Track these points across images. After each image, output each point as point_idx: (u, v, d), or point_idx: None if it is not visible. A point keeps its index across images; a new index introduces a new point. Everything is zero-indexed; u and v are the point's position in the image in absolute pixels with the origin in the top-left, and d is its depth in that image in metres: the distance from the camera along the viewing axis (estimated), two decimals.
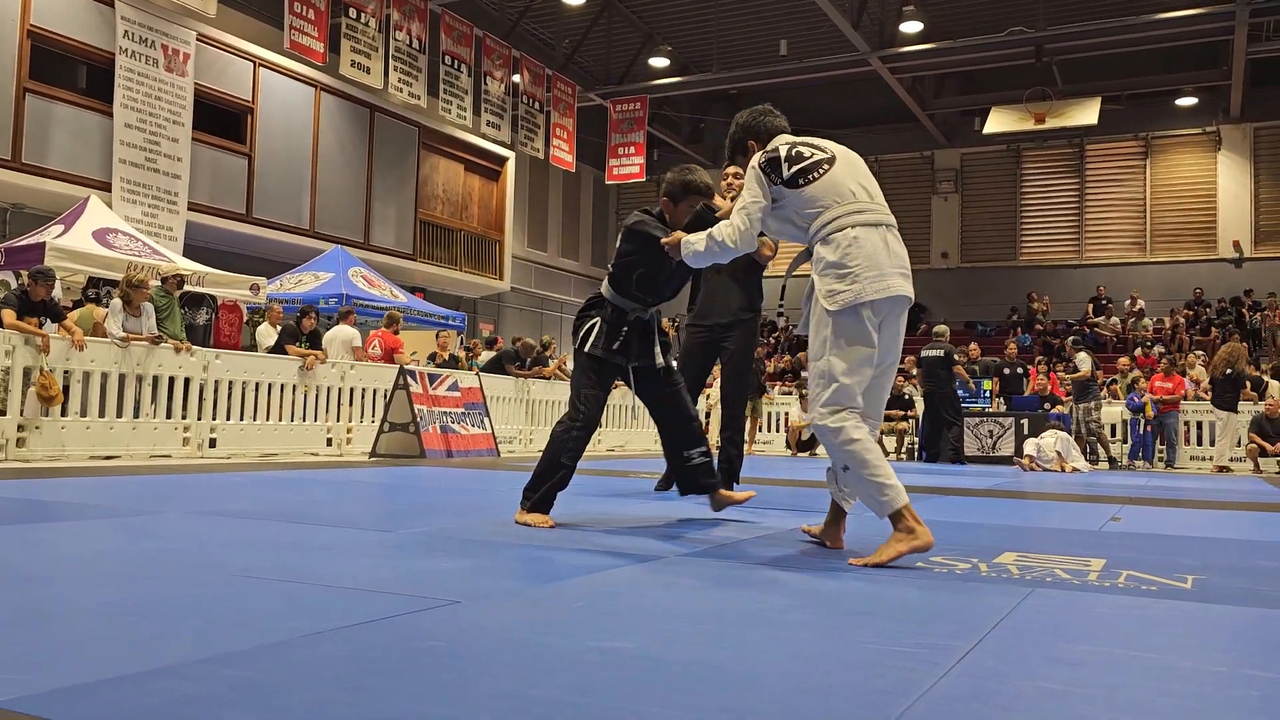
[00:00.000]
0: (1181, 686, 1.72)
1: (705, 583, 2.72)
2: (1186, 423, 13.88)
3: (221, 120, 14.75)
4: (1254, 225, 20.20)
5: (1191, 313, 19.14)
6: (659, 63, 19.99)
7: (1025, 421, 12.91)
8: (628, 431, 14.18)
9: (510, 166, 20.68)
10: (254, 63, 15.09)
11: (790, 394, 16.18)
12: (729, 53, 19.82)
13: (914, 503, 3.13)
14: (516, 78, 17.63)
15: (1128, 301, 19.85)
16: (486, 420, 10.52)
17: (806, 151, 3.25)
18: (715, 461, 5.53)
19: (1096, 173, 21.64)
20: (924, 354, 12.73)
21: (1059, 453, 11.59)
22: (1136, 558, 3.38)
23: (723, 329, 5.57)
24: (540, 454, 4.04)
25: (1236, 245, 20.18)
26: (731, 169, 5.58)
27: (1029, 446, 11.71)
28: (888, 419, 14.03)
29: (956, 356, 12.97)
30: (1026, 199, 22.15)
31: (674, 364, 4.36)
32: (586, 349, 4.02)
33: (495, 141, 19.00)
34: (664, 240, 3.70)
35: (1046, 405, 13.76)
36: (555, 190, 23.70)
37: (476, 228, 20.06)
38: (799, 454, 14.48)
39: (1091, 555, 3.39)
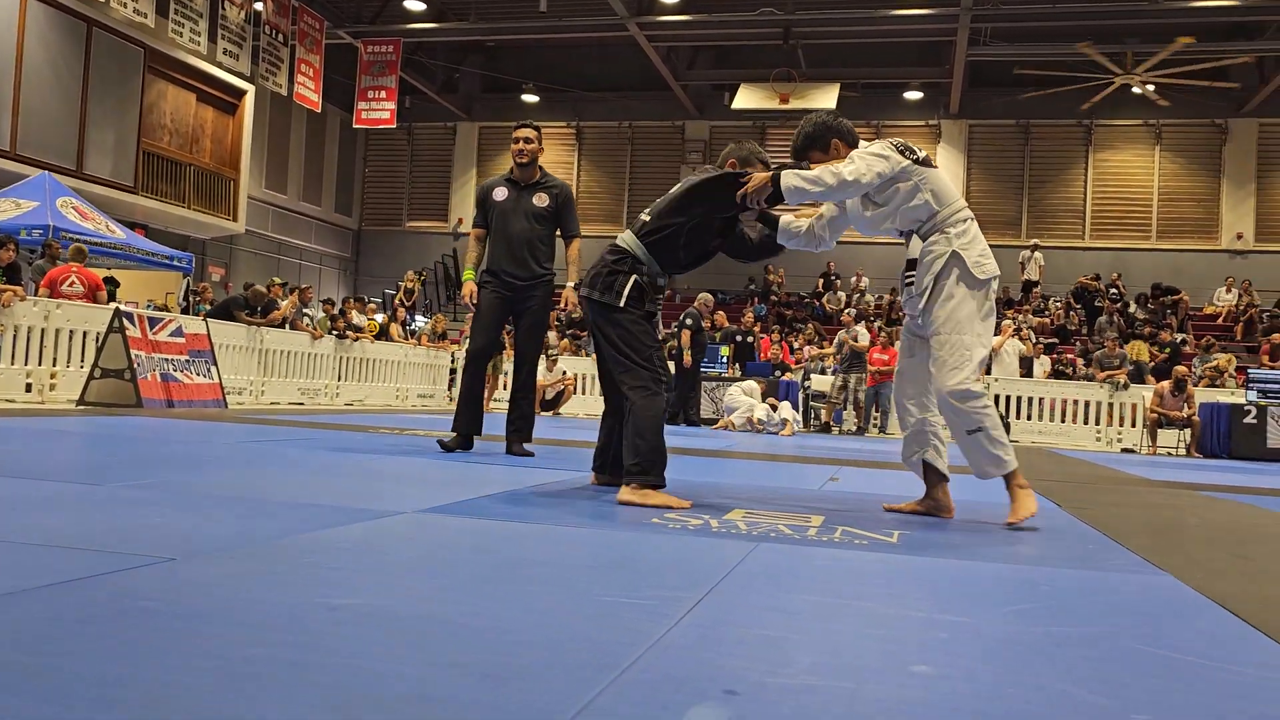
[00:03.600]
0: (884, 630, 1.86)
1: (443, 538, 2.67)
2: None
3: None
4: None
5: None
6: (415, 5, 19.30)
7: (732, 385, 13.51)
8: (367, 386, 13.76)
9: (249, 101, 19.35)
10: None
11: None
12: (488, 2, 19.44)
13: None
14: (259, 5, 16.50)
15: (854, 278, 21.27)
16: (213, 369, 9.87)
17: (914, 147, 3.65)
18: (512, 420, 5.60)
19: None
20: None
21: (786, 418, 12.33)
22: (851, 515, 3.64)
23: (525, 287, 5.56)
24: (625, 430, 3.64)
25: None
26: (525, 131, 5.58)
27: (737, 413, 12.43)
28: None
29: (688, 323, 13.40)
30: None
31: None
32: (623, 304, 3.65)
33: (233, 73, 17.71)
34: (752, 178, 3.57)
35: (778, 372, 14.55)
36: (298, 130, 22.44)
37: (209, 163, 18.68)
38: (542, 413, 14.57)
39: (812, 512, 3.61)
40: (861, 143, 3.68)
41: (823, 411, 14.40)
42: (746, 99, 19.83)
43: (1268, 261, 20.36)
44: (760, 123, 22.61)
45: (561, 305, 5.80)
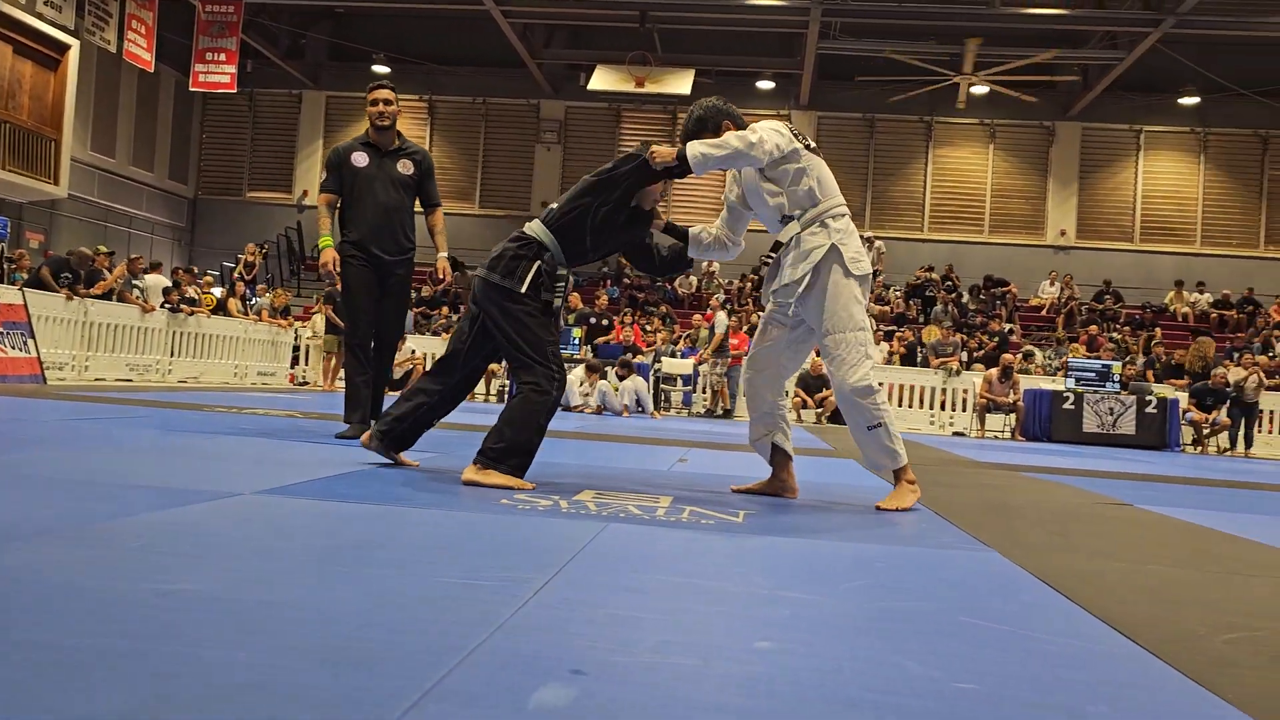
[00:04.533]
0: (730, 607, 1.90)
1: (281, 520, 2.57)
2: None
3: None
4: None
5: (756, 277, 21.23)
6: None
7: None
8: (203, 363, 13.16)
9: (73, 56, 18.05)
10: None
11: None
12: None
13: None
14: None
15: (704, 263, 21.60)
16: (30, 342, 9.24)
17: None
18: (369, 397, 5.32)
19: None
20: None
21: (635, 401, 12.45)
22: (698, 495, 3.70)
23: (393, 262, 5.29)
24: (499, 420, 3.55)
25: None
26: (384, 92, 5.28)
27: (578, 395, 12.48)
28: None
29: None
30: None
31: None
32: (524, 289, 3.58)
33: (55, 25, 16.52)
34: (655, 150, 3.54)
35: (629, 354, 14.65)
36: (128, 91, 21.13)
37: (26, 121, 17.37)
38: (390, 392, 14.23)
39: (660, 493, 3.65)
40: (769, 119, 3.75)
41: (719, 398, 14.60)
42: (602, 80, 19.82)
43: (1087, 257, 21.73)
44: (616, 105, 22.64)
45: (440, 277, 5.45)
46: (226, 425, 5.68)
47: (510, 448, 3.52)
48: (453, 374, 3.86)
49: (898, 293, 20.43)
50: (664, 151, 3.57)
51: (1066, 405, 13.58)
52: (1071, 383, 13.90)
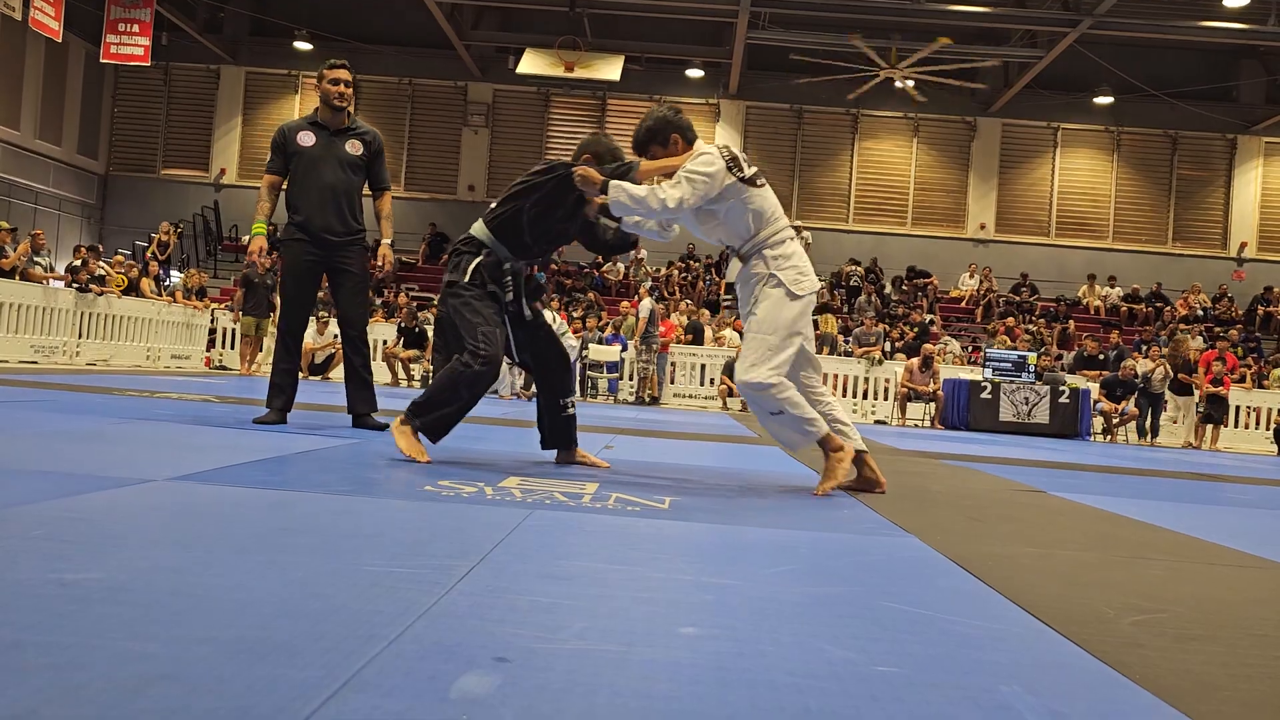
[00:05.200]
0: (655, 594, 1.90)
1: (195, 507, 2.50)
2: (674, 363, 15.42)
3: None
4: None
5: (684, 264, 21.32)
6: None
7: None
8: (113, 345, 12.76)
9: None
10: None
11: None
12: None
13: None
14: None
15: (634, 251, 21.60)
16: None
17: (754, 167, 3.81)
18: (366, 392, 5.18)
19: (614, 126, 23.16)
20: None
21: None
22: (624, 482, 3.70)
23: (342, 243, 5.11)
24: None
25: None
26: (342, 72, 5.11)
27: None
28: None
29: None
30: (552, 142, 23.14)
31: (540, 311, 4.17)
32: (465, 281, 3.84)
33: None
34: (577, 170, 3.67)
35: None
36: (35, 60, 20.30)
37: None
38: (311, 376, 14.00)
39: (586, 480, 3.64)
40: (698, 143, 3.78)
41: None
42: (532, 64, 19.66)
43: (1005, 250, 22.27)
44: (545, 89, 22.48)
45: (378, 264, 5.32)
46: (138, 410, 5.51)
47: (426, 403, 3.75)
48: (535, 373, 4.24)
49: (822, 283, 20.69)
50: (590, 176, 3.68)
51: (984, 395, 13.91)
52: (989, 373, 14.24)
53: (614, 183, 3.62)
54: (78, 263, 13.09)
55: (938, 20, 18.61)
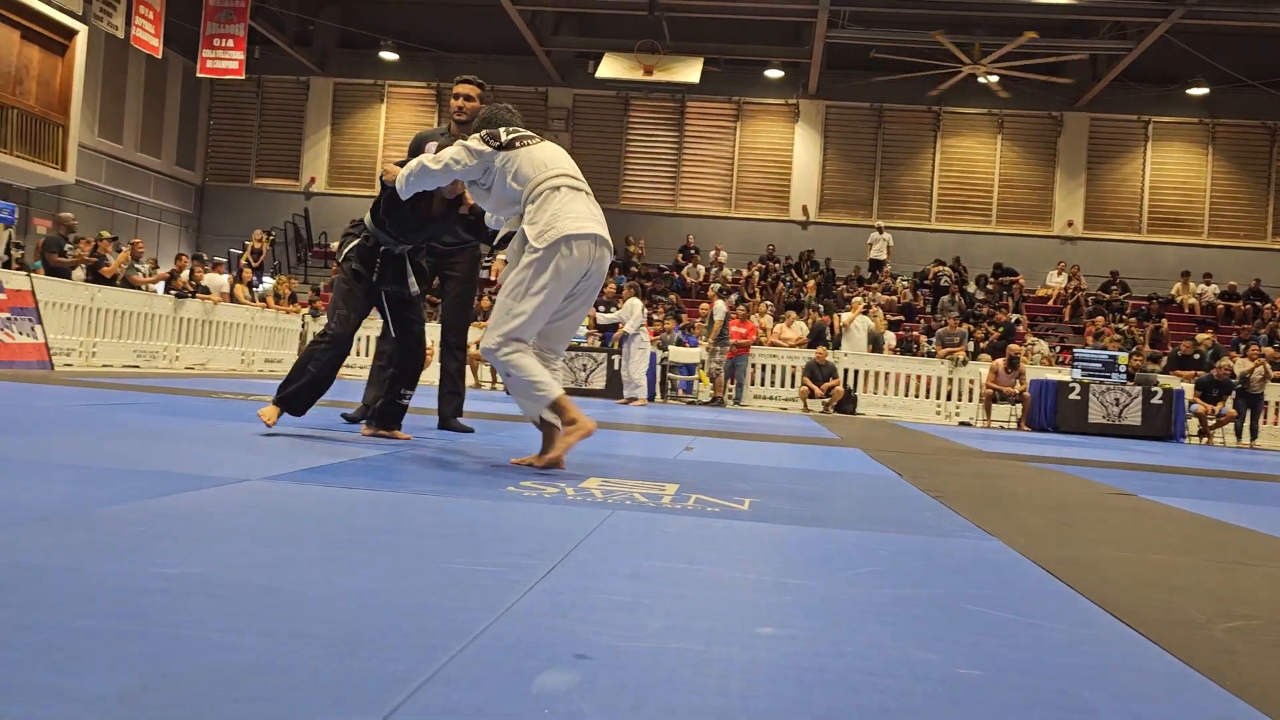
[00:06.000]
0: (732, 594, 1.91)
1: (287, 506, 2.59)
2: (754, 365, 15.32)
3: None
4: (820, 193, 22.73)
5: (764, 266, 21.22)
6: None
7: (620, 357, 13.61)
8: (210, 349, 13.20)
9: (81, 42, 18.08)
10: None
11: None
12: None
13: (511, 430, 3.22)
14: None
15: (712, 252, 21.57)
16: (38, 328, 9.27)
17: (521, 131, 3.83)
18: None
19: (694, 129, 23.18)
20: None
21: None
22: (704, 483, 3.71)
23: (448, 253, 5.28)
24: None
25: (804, 209, 22.62)
26: (466, 88, 5.29)
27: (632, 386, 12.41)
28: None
29: None
30: (631, 146, 23.24)
31: (422, 294, 4.52)
32: (342, 259, 4.35)
33: (63, 10, 16.53)
34: (386, 171, 3.97)
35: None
36: (136, 76, 21.12)
37: (34, 107, 17.40)
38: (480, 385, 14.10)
39: (666, 481, 3.66)
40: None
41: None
42: (611, 68, 19.76)
43: (1095, 248, 21.66)
44: (624, 93, 22.59)
45: (493, 275, 5.59)
46: (233, 412, 5.70)
47: (284, 383, 4.30)
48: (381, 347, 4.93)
49: (905, 283, 20.39)
50: (391, 173, 3.99)
51: (1072, 396, 13.56)
52: (1078, 373, 13.88)
53: (402, 171, 3.89)
54: (181, 270, 13.56)
55: (1023, 14, 18.21)
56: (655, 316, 16.07)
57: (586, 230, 3.63)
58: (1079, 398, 13.53)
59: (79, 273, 11.67)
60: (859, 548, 2.60)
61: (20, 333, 8.97)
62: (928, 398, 14.99)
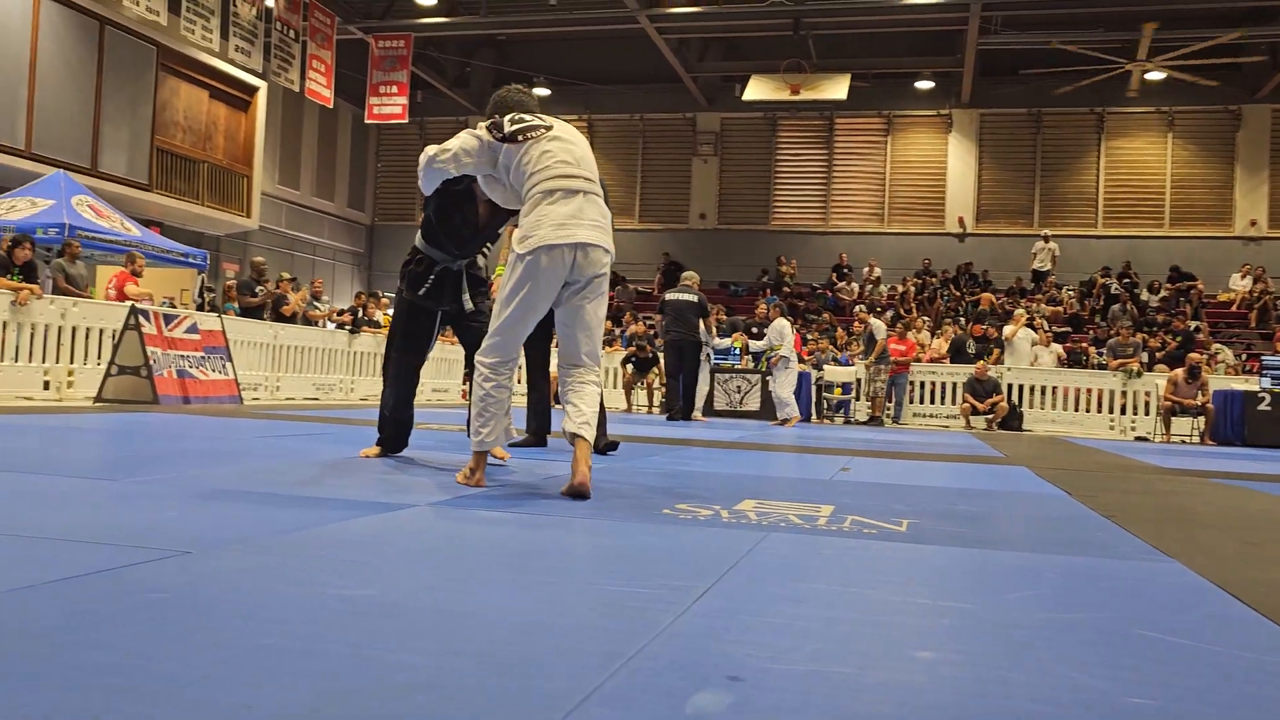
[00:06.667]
0: (889, 618, 1.88)
1: (453, 530, 2.70)
2: (913, 382, 14.96)
3: None
4: (976, 204, 22.07)
5: (920, 281, 20.73)
6: (425, 1, 19.34)
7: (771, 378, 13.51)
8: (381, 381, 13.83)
9: (261, 97, 19.44)
10: None
11: None
12: None
13: (665, 453, 3.25)
14: (270, 2, 16.55)
15: (866, 269, 21.22)
16: (229, 365, 9.94)
17: (530, 119, 3.66)
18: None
19: (843, 145, 22.92)
20: (672, 297, 11.30)
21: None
22: (860, 504, 3.65)
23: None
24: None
25: (961, 221, 21.99)
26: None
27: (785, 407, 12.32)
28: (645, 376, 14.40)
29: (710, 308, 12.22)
30: (780, 166, 23.16)
31: (477, 307, 4.53)
32: (403, 292, 4.42)
33: (245, 69, 17.78)
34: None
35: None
36: (310, 126, 22.51)
37: (221, 160, 18.77)
38: (555, 404, 14.54)
39: (822, 502, 3.63)
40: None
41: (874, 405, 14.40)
42: (757, 90, 19.78)
43: None
44: (771, 114, 22.55)
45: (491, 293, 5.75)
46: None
47: (379, 424, 4.62)
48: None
49: (1070, 293, 19.53)
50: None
51: (1262, 407, 12.66)
52: (1267, 382, 12.95)
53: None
54: (354, 307, 14.33)
55: (1192, 4, 17.25)
56: (809, 336, 15.91)
57: (563, 240, 3.39)
58: (1270, 409, 12.62)
59: (265, 312, 12.49)
60: (1023, 570, 2.52)
61: (214, 370, 9.63)
62: (1099, 412, 14.29)
